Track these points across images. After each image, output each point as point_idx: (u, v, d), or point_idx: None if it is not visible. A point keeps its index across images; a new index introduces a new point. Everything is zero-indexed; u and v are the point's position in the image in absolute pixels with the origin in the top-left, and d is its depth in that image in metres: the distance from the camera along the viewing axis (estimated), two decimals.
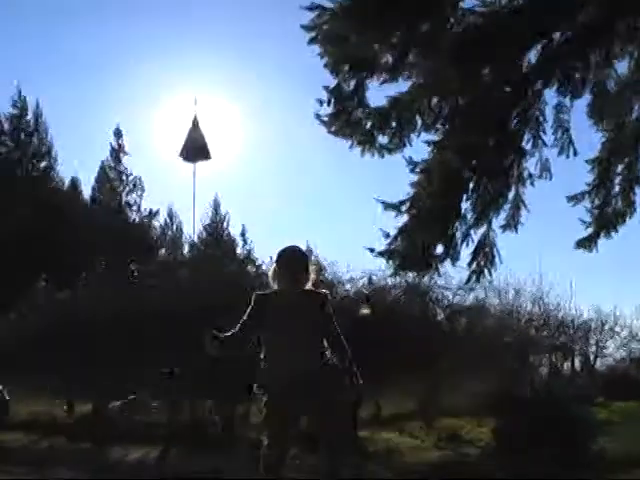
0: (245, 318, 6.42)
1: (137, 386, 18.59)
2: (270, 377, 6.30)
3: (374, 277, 17.70)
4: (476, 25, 14.72)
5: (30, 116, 52.73)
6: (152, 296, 17.59)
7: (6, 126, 52.58)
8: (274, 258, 6.68)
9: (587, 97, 15.48)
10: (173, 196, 63.70)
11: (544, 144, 15.44)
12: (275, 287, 6.58)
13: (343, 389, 6.40)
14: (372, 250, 16.07)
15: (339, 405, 6.40)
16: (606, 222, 16.09)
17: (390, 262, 16.08)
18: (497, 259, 15.83)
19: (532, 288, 19.86)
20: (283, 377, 6.22)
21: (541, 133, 15.43)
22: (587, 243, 16.27)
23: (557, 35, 14.82)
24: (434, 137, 15.67)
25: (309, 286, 6.59)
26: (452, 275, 17.43)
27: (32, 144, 52.74)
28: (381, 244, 15.88)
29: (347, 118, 15.45)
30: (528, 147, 15.47)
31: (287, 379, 6.20)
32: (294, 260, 6.54)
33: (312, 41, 14.95)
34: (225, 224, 58.32)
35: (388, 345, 14.74)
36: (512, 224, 15.65)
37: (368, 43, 14.67)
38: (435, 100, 15.30)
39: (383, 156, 15.77)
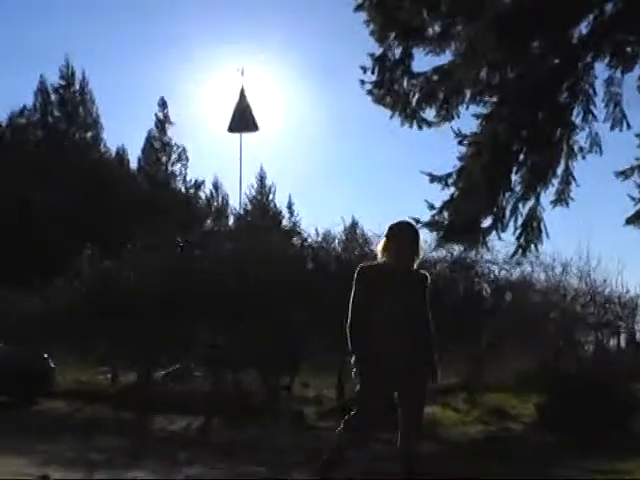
0: (358, 299, 6.36)
1: (181, 356, 18.68)
2: (374, 351, 6.26)
3: None
4: None
5: (77, 87, 53.09)
6: (197, 266, 17.59)
7: (54, 97, 52.96)
8: (385, 231, 6.63)
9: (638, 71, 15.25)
10: (219, 167, 63.93)
11: (594, 118, 15.23)
12: (382, 260, 6.53)
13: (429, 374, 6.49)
14: (417, 221, 15.95)
15: (425, 389, 6.48)
16: None
17: (435, 233, 15.98)
18: (544, 234, 15.68)
19: (579, 264, 19.62)
20: (387, 353, 6.24)
21: (591, 107, 15.23)
22: (636, 220, 16.02)
23: (608, 7, 14.57)
24: (482, 110, 15.53)
25: (415, 265, 6.57)
26: (499, 250, 17.26)
27: (79, 114, 53.11)
28: (426, 216, 15.80)
29: (391, 87, 15.32)
30: (578, 121, 15.28)
31: (391, 356, 6.24)
32: (407, 236, 6.49)
33: (359, 8, 14.83)
34: (271, 195, 58.53)
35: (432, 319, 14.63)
36: (563, 199, 15.46)
37: (416, 10, 14.50)
38: (483, 72, 15.12)
39: (421, 128, 15.65)
